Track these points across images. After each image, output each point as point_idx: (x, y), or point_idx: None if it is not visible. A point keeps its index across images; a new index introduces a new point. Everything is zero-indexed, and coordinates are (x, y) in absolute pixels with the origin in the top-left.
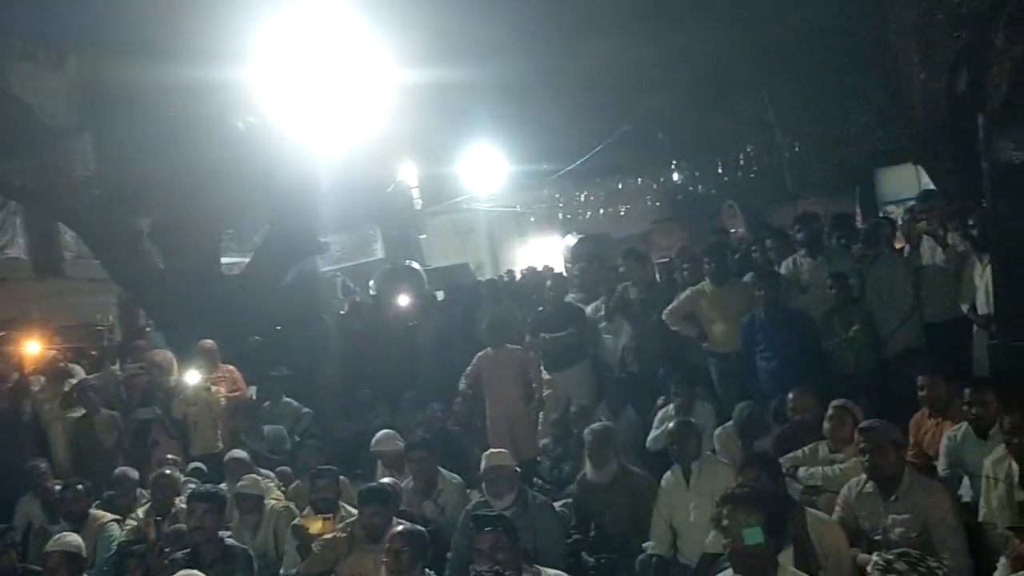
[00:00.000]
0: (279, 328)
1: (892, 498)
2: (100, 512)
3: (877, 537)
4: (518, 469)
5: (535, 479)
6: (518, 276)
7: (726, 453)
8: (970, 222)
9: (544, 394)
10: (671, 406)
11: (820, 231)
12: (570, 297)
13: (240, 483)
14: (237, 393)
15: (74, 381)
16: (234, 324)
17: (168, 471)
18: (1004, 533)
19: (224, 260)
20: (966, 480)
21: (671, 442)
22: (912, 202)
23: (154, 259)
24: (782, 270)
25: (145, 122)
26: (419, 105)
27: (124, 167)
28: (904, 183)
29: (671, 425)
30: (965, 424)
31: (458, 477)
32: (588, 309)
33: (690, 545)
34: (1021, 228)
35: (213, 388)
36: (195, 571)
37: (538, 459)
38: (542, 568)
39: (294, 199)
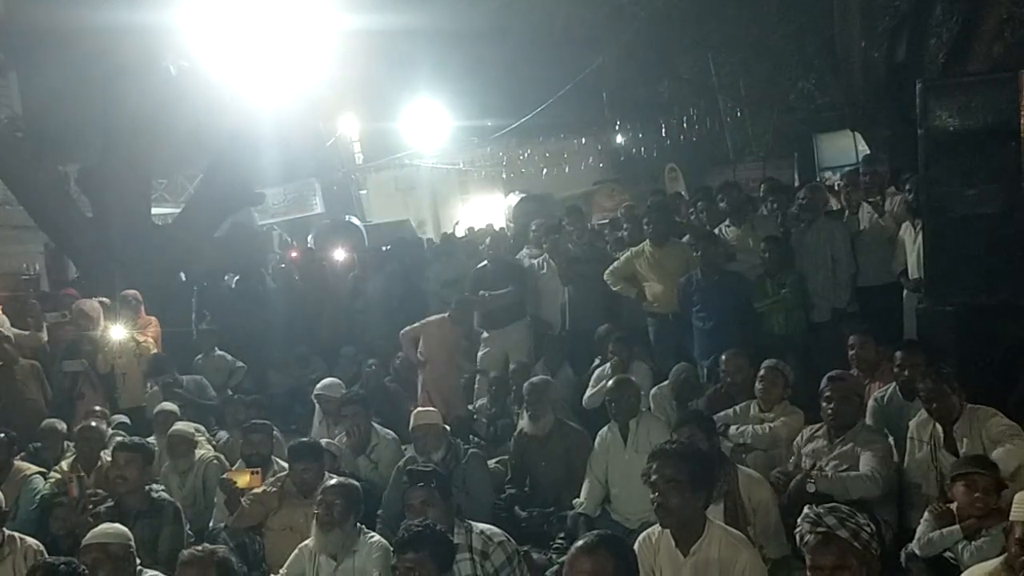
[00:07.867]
0: (205, 282)
1: (839, 440)
2: (24, 464)
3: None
4: (447, 427)
5: (472, 436)
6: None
7: (661, 413)
8: (907, 188)
9: (482, 352)
10: (608, 365)
11: (742, 200)
12: (523, 253)
13: (174, 427)
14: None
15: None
16: (165, 275)
17: (94, 423)
18: (927, 494)
19: (157, 211)
20: (891, 440)
21: (610, 399)
22: (849, 168)
23: (81, 206)
24: None
25: (73, 64)
26: (362, 55)
27: (50, 110)
28: (842, 150)
29: (610, 382)
30: (893, 385)
31: (392, 433)
32: (528, 265)
33: (626, 503)
34: (952, 194)
35: (142, 340)
36: (118, 524)
37: (475, 416)
38: (473, 523)
39: (229, 148)
